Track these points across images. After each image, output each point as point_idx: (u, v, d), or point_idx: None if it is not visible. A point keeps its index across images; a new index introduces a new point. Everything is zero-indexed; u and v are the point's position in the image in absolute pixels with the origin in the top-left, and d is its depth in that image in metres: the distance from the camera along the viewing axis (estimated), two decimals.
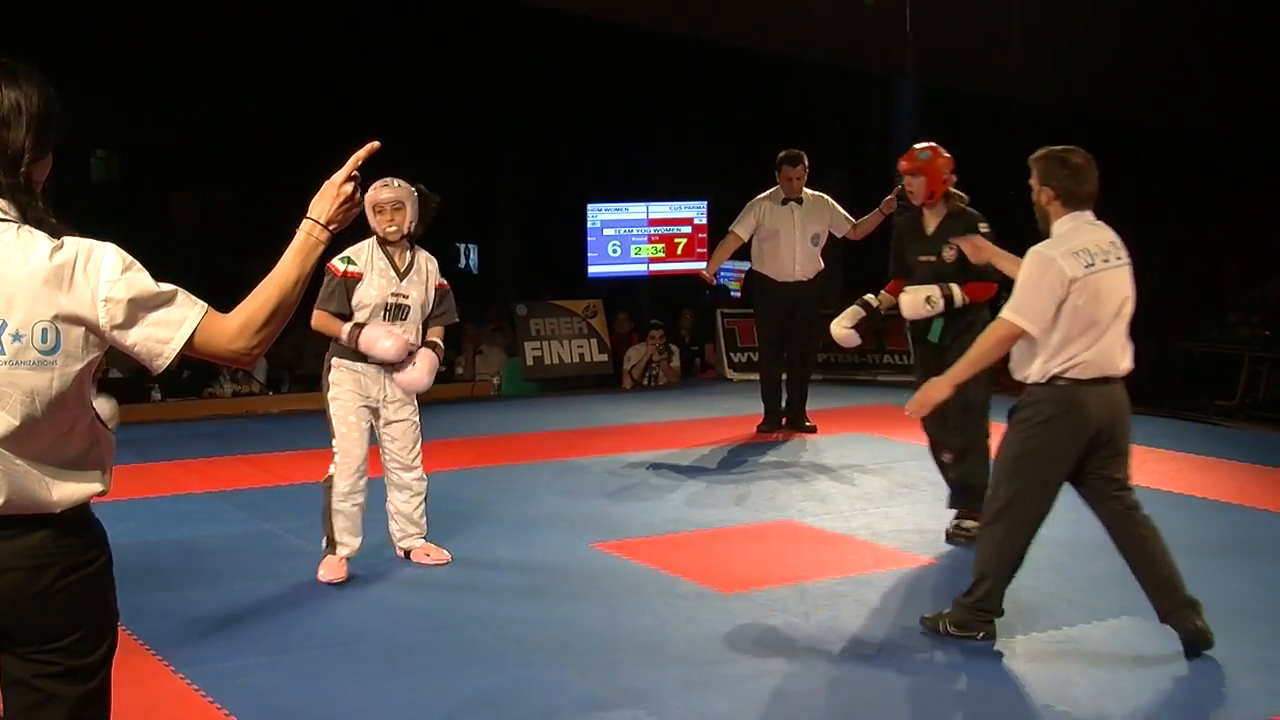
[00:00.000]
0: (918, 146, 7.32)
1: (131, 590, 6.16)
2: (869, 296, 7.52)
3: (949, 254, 7.06)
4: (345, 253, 6.35)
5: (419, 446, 6.63)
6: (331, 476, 6.41)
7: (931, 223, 7.28)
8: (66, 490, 2.73)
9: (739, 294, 17.51)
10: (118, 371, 12.47)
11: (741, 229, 10.20)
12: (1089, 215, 5.40)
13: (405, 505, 6.67)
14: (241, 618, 5.86)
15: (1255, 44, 16.02)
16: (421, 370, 6.42)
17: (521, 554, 6.96)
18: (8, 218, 2.70)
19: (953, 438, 7.21)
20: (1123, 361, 5.35)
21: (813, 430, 10.30)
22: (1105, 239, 5.38)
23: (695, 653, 5.43)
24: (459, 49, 19.78)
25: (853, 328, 7.70)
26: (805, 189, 10.16)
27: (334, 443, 6.43)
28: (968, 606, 5.53)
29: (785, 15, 14.94)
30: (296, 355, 14.42)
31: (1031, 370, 5.36)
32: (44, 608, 2.73)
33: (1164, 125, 18.03)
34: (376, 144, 3.04)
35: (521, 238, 22.14)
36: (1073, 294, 5.19)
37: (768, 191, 10.20)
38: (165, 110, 18.78)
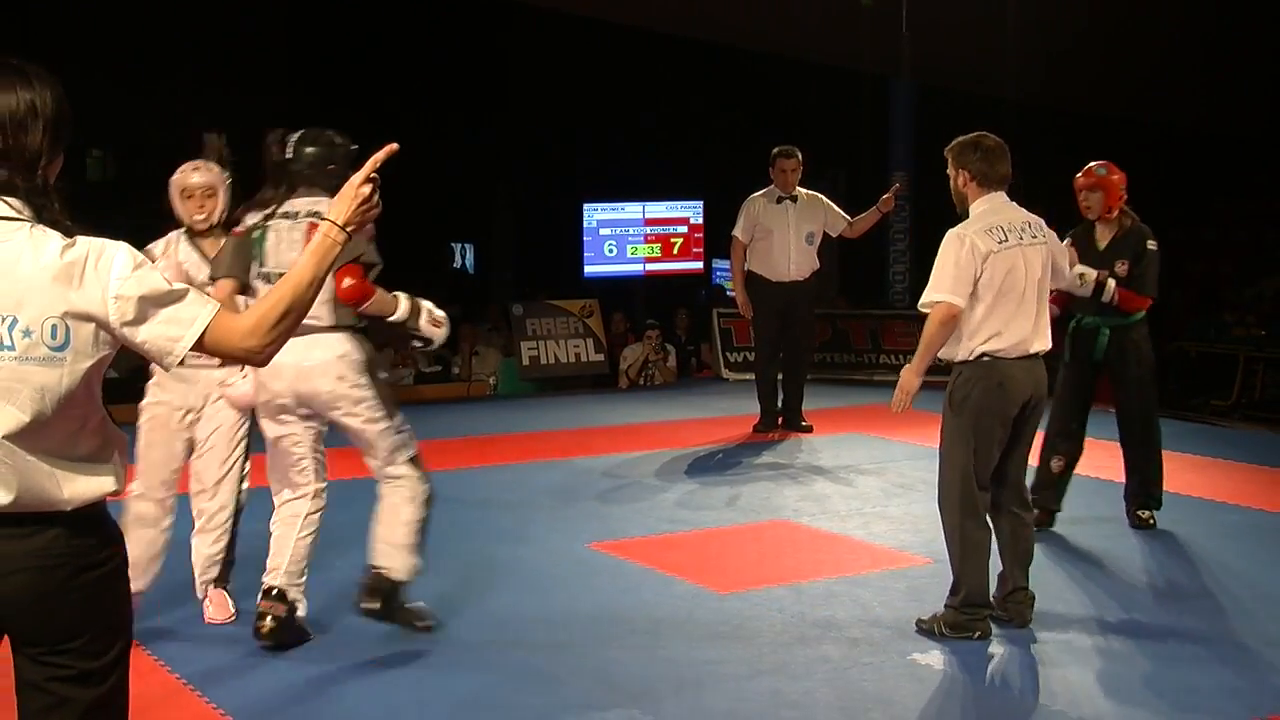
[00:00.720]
0: (1094, 164, 7.28)
1: None
2: None
3: (1120, 268, 7.13)
4: (146, 248, 5.60)
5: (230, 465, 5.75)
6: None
7: (1104, 238, 7.31)
8: (78, 487, 2.72)
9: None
10: (113, 372, 12.46)
11: (741, 232, 10.20)
12: (1003, 196, 5.65)
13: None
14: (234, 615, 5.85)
15: (1249, 44, 16.05)
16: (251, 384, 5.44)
17: (518, 554, 6.96)
18: (21, 217, 2.72)
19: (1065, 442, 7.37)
20: (1040, 339, 5.60)
21: (809, 430, 10.29)
22: (1020, 218, 5.63)
23: (691, 653, 5.43)
24: (455, 49, 19.78)
25: None
26: (800, 188, 10.16)
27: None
28: (956, 608, 5.56)
29: (782, 16, 14.97)
30: None
31: (959, 350, 5.62)
32: (55, 608, 2.70)
33: (1159, 125, 18.07)
34: (395, 146, 3.02)
35: (518, 237, 22.16)
36: (985, 269, 5.45)
37: (762, 190, 10.19)
38: (162, 109, 18.76)
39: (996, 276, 5.47)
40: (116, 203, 19.47)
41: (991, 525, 5.69)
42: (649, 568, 6.67)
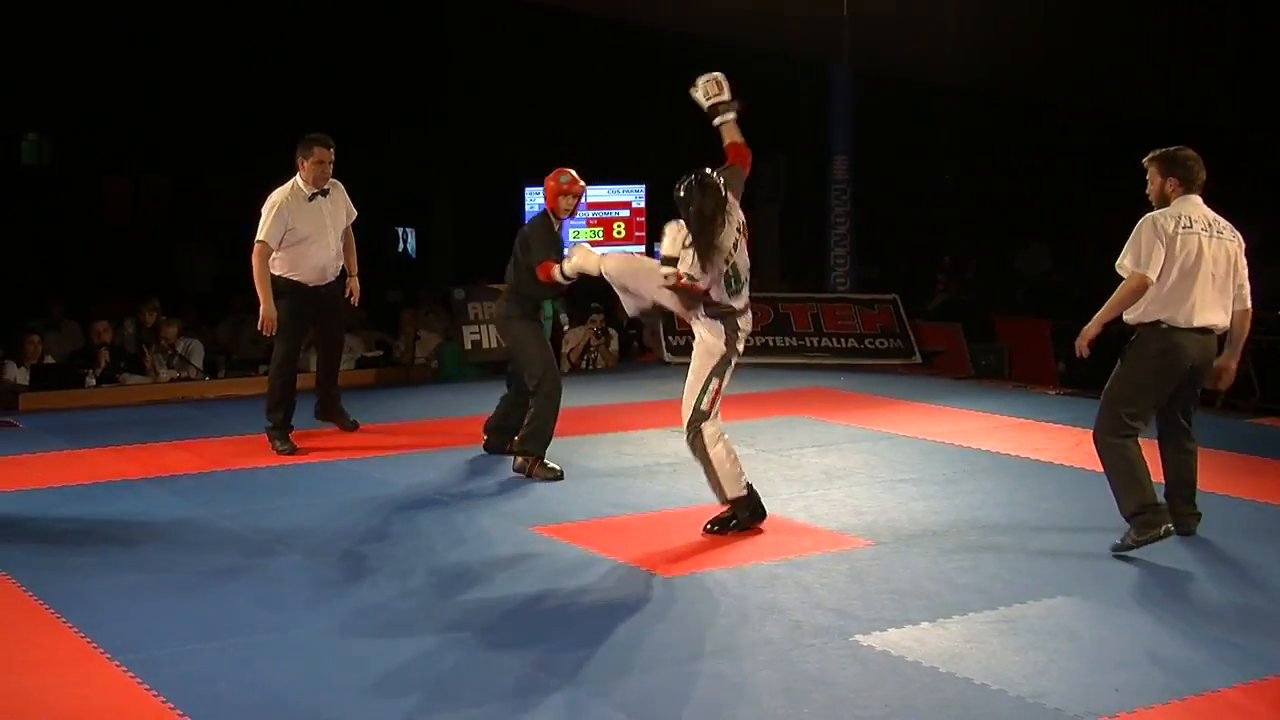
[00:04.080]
0: (569, 170, 8.49)
1: (66, 576, 6.12)
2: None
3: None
4: None
5: None
6: None
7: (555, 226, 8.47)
8: None
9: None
10: (51, 358, 12.34)
11: (271, 237, 8.94)
12: (1196, 198, 6.64)
13: None
14: (177, 604, 5.82)
15: (1188, 32, 16.20)
16: None
17: (459, 537, 6.95)
18: None
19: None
20: (1211, 315, 6.51)
21: (356, 426, 9.80)
22: (1206, 215, 6.60)
23: (634, 635, 5.44)
24: (394, 33, 19.68)
25: None
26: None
27: None
28: (1135, 513, 6.49)
29: (723, 1, 14.97)
30: (233, 340, 14.32)
31: (1139, 312, 6.54)
32: None
33: (1097, 112, 18.20)
34: None
35: (459, 221, 22.07)
36: (1170, 247, 6.43)
37: (285, 188, 9.08)
38: (97, 94, 18.58)
39: (1178, 254, 6.42)
40: (51, 187, 19.34)
41: (1162, 455, 6.83)
42: (591, 551, 6.67)
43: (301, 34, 19.18)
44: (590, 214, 15.43)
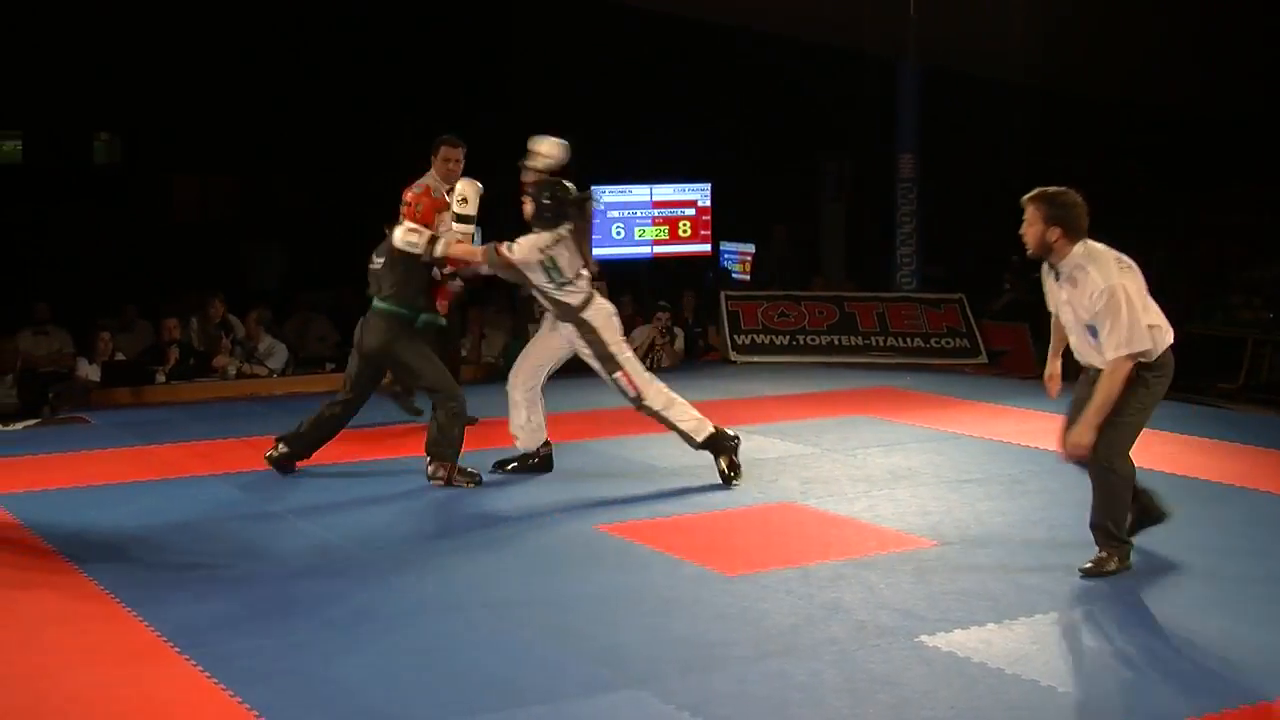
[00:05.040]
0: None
1: (136, 572, 6.19)
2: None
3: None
4: None
5: None
6: None
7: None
8: None
9: (745, 276, 17.49)
10: (122, 355, 12.48)
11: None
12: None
13: None
14: (245, 600, 5.87)
15: (1257, 26, 15.99)
16: None
17: (526, 535, 6.97)
18: None
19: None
20: (1170, 334, 6.36)
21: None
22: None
23: (698, 634, 5.44)
24: (458, 31, 19.75)
25: None
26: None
27: None
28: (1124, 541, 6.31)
29: None
30: (300, 338, 14.44)
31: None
32: None
33: (1168, 108, 18.01)
34: None
35: (524, 221, 22.14)
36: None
37: (434, 178, 9.67)
38: (168, 93, 18.78)
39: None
40: (122, 186, 19.57)
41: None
42: (656, 550, 6.68)
43: (364, 32, 19.29)
44: (656, 212, 15.45)
